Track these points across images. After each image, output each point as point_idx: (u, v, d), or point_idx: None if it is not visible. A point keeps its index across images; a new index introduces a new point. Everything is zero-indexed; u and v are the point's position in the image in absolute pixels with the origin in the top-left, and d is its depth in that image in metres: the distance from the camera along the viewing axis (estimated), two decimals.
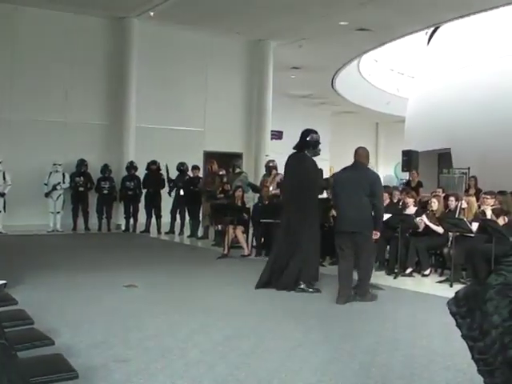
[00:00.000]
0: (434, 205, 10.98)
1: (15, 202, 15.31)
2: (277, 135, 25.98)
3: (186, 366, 5.20)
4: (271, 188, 13.38)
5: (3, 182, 15.00)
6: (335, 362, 5.44)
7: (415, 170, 16.64)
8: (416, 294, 9.17)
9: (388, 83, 27.45)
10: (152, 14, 17.41)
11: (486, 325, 3.06)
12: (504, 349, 2.96)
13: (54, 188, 15.93)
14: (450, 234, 10.20)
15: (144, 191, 16.73)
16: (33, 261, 10.93)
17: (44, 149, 16.65)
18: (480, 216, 10.15)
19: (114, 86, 18.14)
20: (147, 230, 16.51)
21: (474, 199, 11.13)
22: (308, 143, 9.12)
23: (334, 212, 11.92)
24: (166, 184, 16.46)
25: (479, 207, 10.67)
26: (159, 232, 16.47)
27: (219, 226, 13.98)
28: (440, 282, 10.07)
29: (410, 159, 18.67)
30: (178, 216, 16.41)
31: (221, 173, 15.02)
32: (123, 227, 16.96)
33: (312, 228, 8.86)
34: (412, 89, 24.74)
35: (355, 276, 8.32)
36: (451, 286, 9.50)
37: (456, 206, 10.62)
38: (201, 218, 16.00)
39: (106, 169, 16.85)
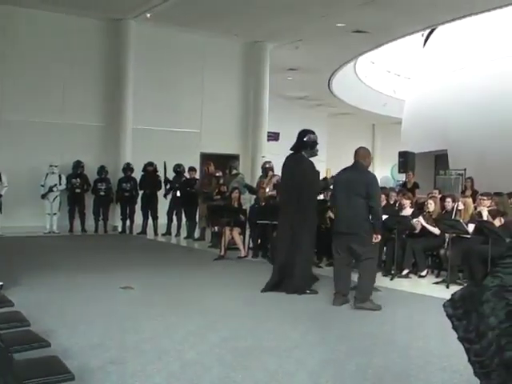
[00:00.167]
0: (431, 206, 10.99)
1: (12, 204, 15.27)
2: (273, 136, 25.97)
3: (182, 367, 5.19)
4: (268, 189, 13.37)
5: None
6: (332, 364, 5.44)
7: (411, 172, 16.64)
8: (412, 295, 9.18)
9: (384, 85, 27.47)
10: (149, 15, 17.40)
11: (482, 327, 3.06)
12: (501, 351, 2.97)
13: (51, 189, 15.90)
14: (447, 235, 10.21)
15: (140, 193, 16.71)
16: (29, 262, 10.91)
17: (40, 150, 16.61)
18: (476, 217, 10.18)
19: (111, 88, 18.13)
20: (144, 231, 16.50)
21: (470, 200, 11.15)
22: (305, 144, 9.06)
23: (330, 213, 12.00)
24: (163, 185, 16.44)
25: (475, 208, 10.69)
26: (156, 233, 16.45)
27: (216, 228, 13.97)
28: (436, 283, 10.09)
29: (406, 160, 18.67)
30: (174, 217, 16.41)
31: (217, 174, 15.02)
32: (120, 229, 16.94)
33: (311, 230, 8.87)
34: (408, 90, 24.76)
35: (354, 278, 8.27)
36: (448, 287, 9.51)
37: (452, 208, 10.64)
38: (197, 220, 15.98)
39: (102, 170, 16.83)
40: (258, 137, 20.40)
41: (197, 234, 15.84)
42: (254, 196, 14.04)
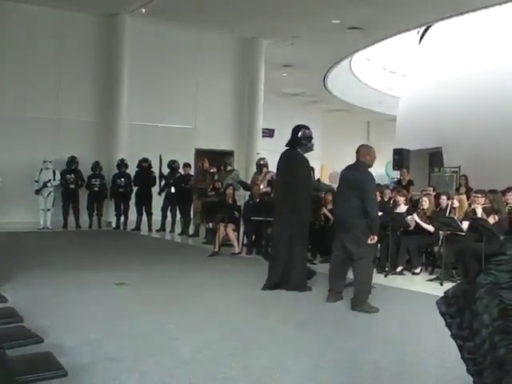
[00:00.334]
0: (425, 203, 11.00)
1: (5, 200, 15.19)
2: (268, 133, 25.99)
3: (176, 364, 5.19)
4: (262, 186, 13.37)
5: None
6: (326, 360, 5.44)
7: (406, 169, 16.66)
8: (407, 292, 9.19)
9: (380, 82, 27.48)
10: (144, 10, 17.34)
11: (475, 324, 3.06)
12: (493, 348, 2.97)
13: (45, 185, 15.87)
14: (441, 232, 10.23)
15: (135, 189, 16.69)
16: (23, 258, 10.88)
17: (34, 146, 16.55)
18: (470, 215, 10.19)
19: (106, 83, 18.08)
20: (138, 227, 16.47)
21: (464, 198, 11.16)
22: (300, 139, 9.01)
23: (324, 210, 12.02)
24: (157, 180, 16.40)
25: (470, 206, 10.71)
26: (150, 229, 16.43)
27: (210, 224, 13.96)
28: (430, 280, 10.11)
29: (401, 158, 18.68)
30: (168, 214, 16.39)
31: (212, 170, 15.01)
32: (114, 224, 16.91)
33: (306, 227, 8.87)
34: (404, 87, 24.77)
35: (350, 275, 8.22)
36: (442, 284, 9.53)
37: (447, 205, 10.65)
38: (192, 216, 15.98)
39: (96, 166, 16.81)
40: (252, 133, 20.41)
41: (191, 231, 15.83)
42: (249, 192, 14.04)
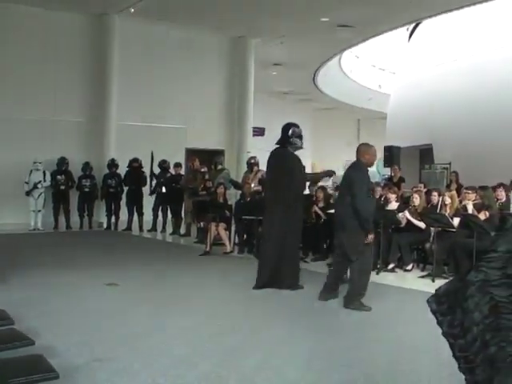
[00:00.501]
0: (416, 200, 11.03)
1: None
2: (258, 132, 25.95)
3: (168, 364, 5.18)
4: (253, 185, 13.37)
5: None
6: (319, 359, 5.44)
7: (397, 166, 16.67)
8: (398, 289, 9.20)
9: (370, 79, 27.52)
10: (132, 10, 17.30)
11: (467, 322, 3.06)
12: (485, 346, 2.97)
13: (35, 186, 15.81)
14: (432, 229, 10.25)
15: (126, 189, 16.64)
16: (14, 260, 10.81)
17: (24, 147, 16.47)
18: (461, 211, 10.21)
19: (95, 83, 18.04)
20: (129, 227, 16.42)
21: (455, 194, 11.19)
22: (290, 137, 9.00)
23: (316, 208, 12.02)
24: (148, 179, 16.33)
25: (460, 202, 10.73)
26: (141, 229, 16.38)
27: (201, 223, 13.95)
28: (422, 277, 10.12)
29: (391, 155, 18.73)
30: (160, 213, 16.35)
31: (203, 170, 14.98)
32: (105, 225, 16.86)
33: (299, 225, 8.88)
34: (394, 85, 24.81)
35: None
36: (433, 280, 9.54)
37: (438, 202, 10.67)
38: (183, 216, 15.96)
39: (87, 167, 16.76)
40: (243, 132, 20.42)
41: (182, 230, 15.80)
42: (240, 191, 14.03)
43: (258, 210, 10.24)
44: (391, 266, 10.66)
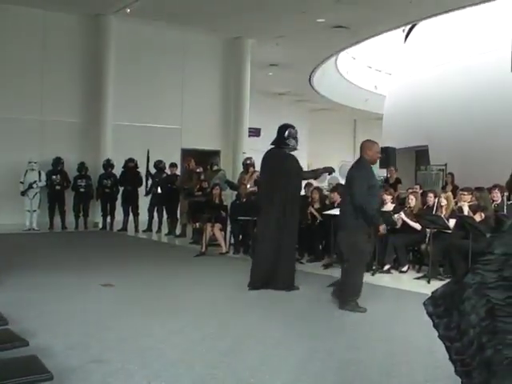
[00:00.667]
0: (412, 201, 11.03)
1: None
2: (254, 132, 25.92)
3: (163, 365, 5.16)
4: (249, 185, 13.38)
5: None
6: (314, 360, 5.43)
7: (393, 167, 16.66)
8: (394, 290, 9.19)
9: (366, 80, 27.55)
10: (129, 10, 17.30)
11: (463, 324, 3.05)
12: (481, 349, 2.96)
13: (30, 186, 15.77)
14: (428, 230, 10.24)
15: (121, 189, 16.61)
16: (8, 260, 10.76)
17: (20, 147, 16.47)
18: (457, 212, 10.21)
19: (91, 84, 18.02)
20: (124, 228, 16.39)
21: (451, 195, 11.19)
22: (286, 138, 8.99)
23: (312, 209, 12.00)
24: (144, 178, 16.29)
25: (456, 204, 10.73)
26: (137, 230, 16.36)
27: (197, 224, 13.91)
28: (418, 278, 10.12)
29: (387, 156, 18.67)
30: (155, 214, 16.33)
31: (198, 170, 14.99)
32: (100, 225, 16.83)
33: (295, 226, 8.87)
34: (390, 86, 24.83)
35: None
36: (429, 282, 9.55)
37: (434, 203, 10.68)
38: (178, 216, 15.93)
39: (82, 167, 16.72)
40: (239, 133, 20.41)
41: (178, 231, 15.78)
42: (235, 192, 14.03)
43: (254, 210, 10.21)
44: (387, 267, 10.66)
